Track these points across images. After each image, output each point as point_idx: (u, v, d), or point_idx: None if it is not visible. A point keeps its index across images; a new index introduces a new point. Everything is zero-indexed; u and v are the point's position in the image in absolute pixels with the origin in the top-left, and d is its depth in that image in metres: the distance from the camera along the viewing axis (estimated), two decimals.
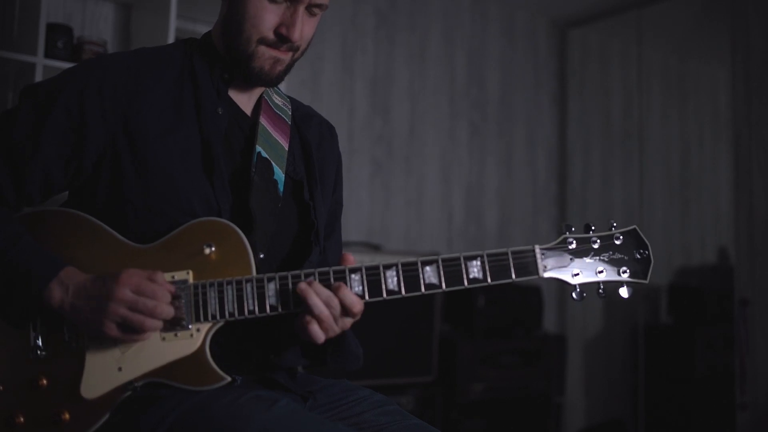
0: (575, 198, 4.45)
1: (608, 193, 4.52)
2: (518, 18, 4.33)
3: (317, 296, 1.18)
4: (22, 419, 1.20)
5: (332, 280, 1.21)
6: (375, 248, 3.33)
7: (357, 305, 1.20)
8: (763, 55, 3.08)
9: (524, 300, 3.66)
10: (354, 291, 1.20)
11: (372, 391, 1.39)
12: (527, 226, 4.28)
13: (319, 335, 1.20)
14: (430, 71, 3.95)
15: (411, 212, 3.83)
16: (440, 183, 3.95)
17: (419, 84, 3.90)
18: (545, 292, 3.82)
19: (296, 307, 1.21)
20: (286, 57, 1.32)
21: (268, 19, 1.27)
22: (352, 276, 1.21)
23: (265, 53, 1.29)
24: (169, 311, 1.18)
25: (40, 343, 1.22)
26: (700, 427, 3.89)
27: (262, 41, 1.28)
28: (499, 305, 3.53)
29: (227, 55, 1.34)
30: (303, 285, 1.19)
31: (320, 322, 1.19)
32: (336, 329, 1.21)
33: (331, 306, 1.19)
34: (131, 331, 1.17)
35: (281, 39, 1.28)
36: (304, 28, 1.29)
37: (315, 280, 1.21)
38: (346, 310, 1.20)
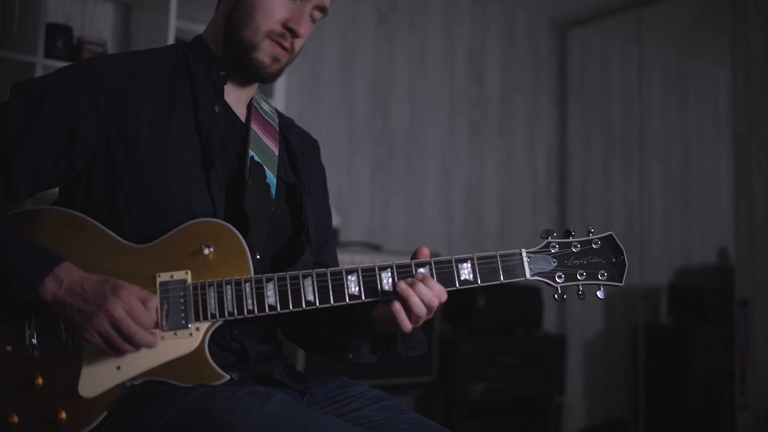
0: (575, 198, 4.45)
1: (608, 193, 4.52)
2: (518, 18, 4.33)
3: (417, 296, 1.23)
4: (16, 419, 1.20)
5: (330, 281, 1.24)
6: (375, 248, 3.33)
7: (443, 295, 1.25)
8: (763, 55, 3.08)
9: (524, 300, 3.66)
10: (351, 292, 1.24)
11: (369, 387, 1.40)
12: (527, 226, 4.28)
13: (408, 324, 1.25)
14: (430, 71, 3.95)
15: (411, 212, 3.83)
16: (440, 183, 3.95)
17: (419, 84, 3.90)
18: (545, 292, 3.82)
19: (295, 306, 1.23)
20: (284, 57, 1.37)
21: (279, 12, 1.33)
22: (349, 277, 1.24)
23: (268, 48, 1.34)
24: (148, 341, 1.18)
25: (36, 342, 1.22)
26: (700, 427, 3.89)
27: (270, 34, 1.33)
28: (499, 305, 3.53)
29: (227, 50, 1.37)
30: (403, 284, 1.23)
31: (412, 314, 1.24)
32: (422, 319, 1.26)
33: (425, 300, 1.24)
34: (110, 346, 1.18)
35: (290, 32, 1.34)
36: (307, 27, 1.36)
37: (313, 279, 1.23)
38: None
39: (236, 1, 1.35)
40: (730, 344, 3.21)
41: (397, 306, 1.22)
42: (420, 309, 1.22)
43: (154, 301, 1.20)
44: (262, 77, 1.38)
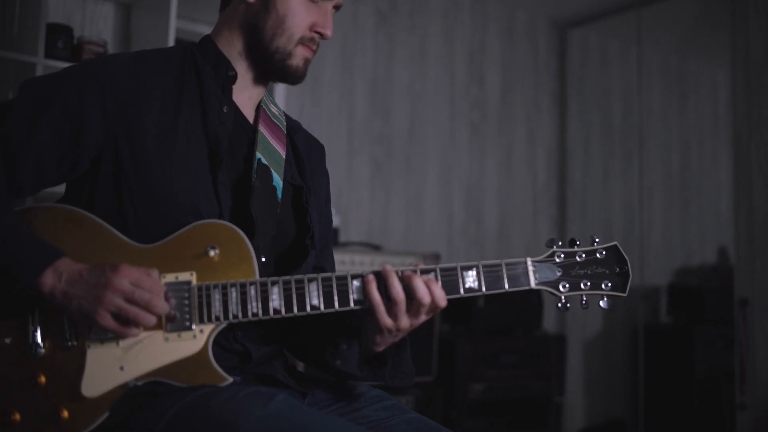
0: (575, 198, 4.45)
1: (608, 193, 4.52)
2: (518, 18, 4.33)
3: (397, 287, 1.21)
4: (18, 417, 1.19)
5: (335, 286, 1.23)
6: (375, 248, 3.33)
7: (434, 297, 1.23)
8: (763, 55, 3.08)
9: (524, 300, 3.66)
10: (355, 297, 1.23)
11: (369, 386, 1.40)
12: (527, 226, 4.28)
13: (388, 321, 1.22)
14: (430, 71, 3.95)
15: (411, 212, 3.84)
16: (440, 183, 3.95)
17: (419, 84, 3.90)
18: (545, 293, 3.81)
19: (300, 310, 1.22)
20: (312, 56, 1.41)
21: (307, 17, 1.36)
22: (354, 282, 1.23)
23: (302, 53, 1.38)
24: (164, 306, 1.18)
25: (39, 341, 1.22)
26: (700, 426, 3.89)
27: (302, 40, 1.37)
28: (498, 305, 3.53)
29: (250, 57, 1.39)
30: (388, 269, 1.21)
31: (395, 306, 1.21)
32: (407, 321, 1.23)
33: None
34: (125, 324, 1.17)
35: (318, 35, 1.38)
36: None
37: (318, 283, 1.23)
38: (417, 303, 1.22)
39: (260, 11, 1.36)
40: (729, 344, 3.21)
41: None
42: (398, 295, 1.20)
43: (155, 271, 1.19)
44: (297, 79, 1.41)
